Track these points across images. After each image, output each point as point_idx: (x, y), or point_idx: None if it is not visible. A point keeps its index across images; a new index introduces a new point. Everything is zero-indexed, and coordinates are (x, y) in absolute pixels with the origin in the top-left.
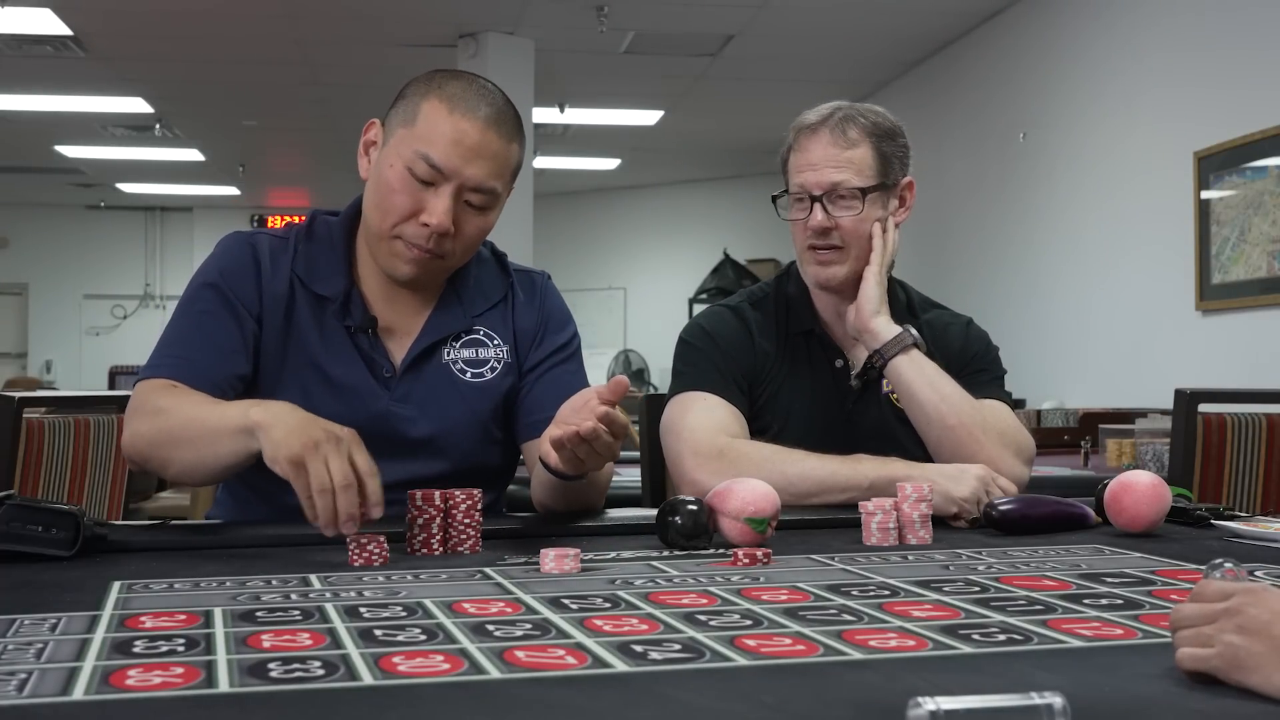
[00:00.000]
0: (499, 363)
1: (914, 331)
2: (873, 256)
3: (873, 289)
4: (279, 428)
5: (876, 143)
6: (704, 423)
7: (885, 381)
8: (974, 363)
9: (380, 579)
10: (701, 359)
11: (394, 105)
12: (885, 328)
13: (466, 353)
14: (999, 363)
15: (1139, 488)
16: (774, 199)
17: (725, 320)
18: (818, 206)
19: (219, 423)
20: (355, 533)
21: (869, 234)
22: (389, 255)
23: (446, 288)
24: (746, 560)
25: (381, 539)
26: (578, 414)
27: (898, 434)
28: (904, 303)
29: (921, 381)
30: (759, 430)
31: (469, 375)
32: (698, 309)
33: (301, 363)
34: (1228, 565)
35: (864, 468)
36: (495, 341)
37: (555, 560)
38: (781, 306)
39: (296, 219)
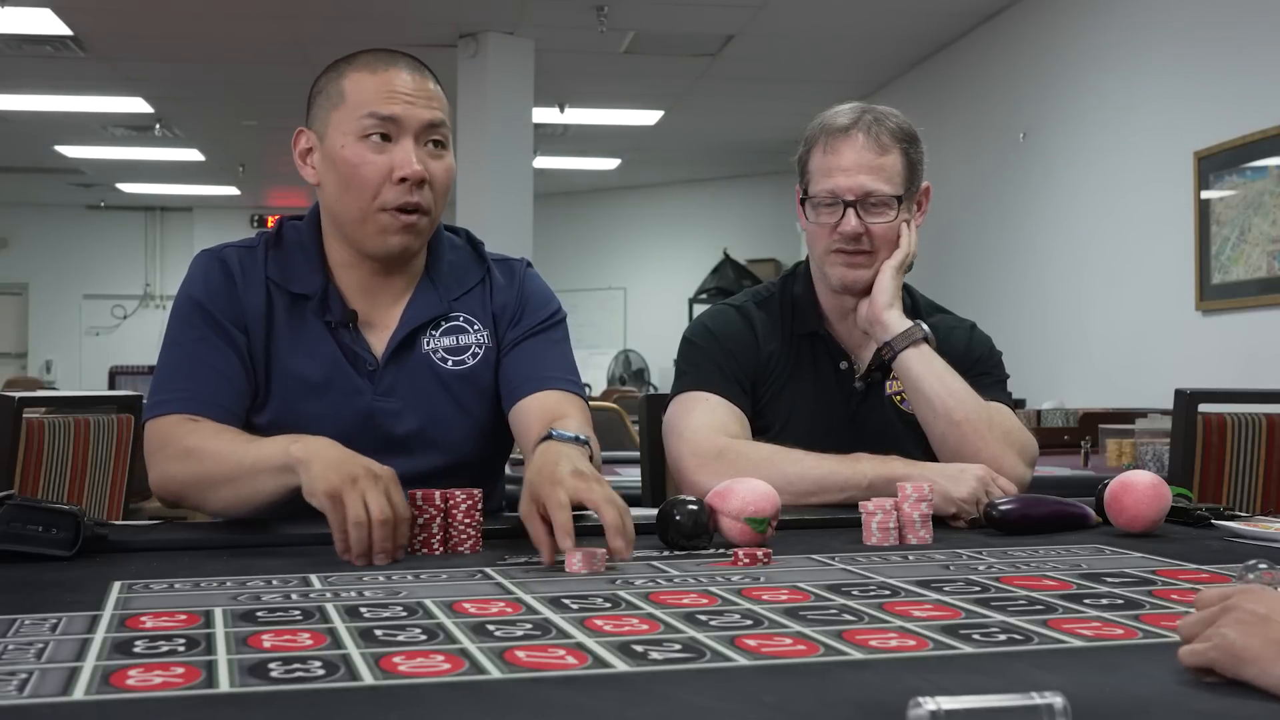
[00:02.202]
0: (480, 348)
1: (924, 326)
2: (895, 254)
3: (888, 282)
4: (318, 462)
5: (905, 149)
6: (705, 423)
7: (889, 384)
8: (977, 366)
9: (380, 579)
10: (704, 359)
11: (311, 108)
12: (897, 321)
13: (447, 340)
14: (1002, 367)
15: (1139, 488)
16: (801, 201)
17: (730, 319)
18: (850, 212)
19: (257, 461)
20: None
21: (896, 238)
22: (378, 233)
23: (423, 275)
24: (746, 560)
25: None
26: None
27: (901, 436)
28: (909, 306)
29: (930, 376)
30: (761, 429)
31: (450, 364)
32: (698, 309)
33: (285, 369)
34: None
35: (863, 467)
36: (475, 327)
37: (584, 560)
38: (787, 307)
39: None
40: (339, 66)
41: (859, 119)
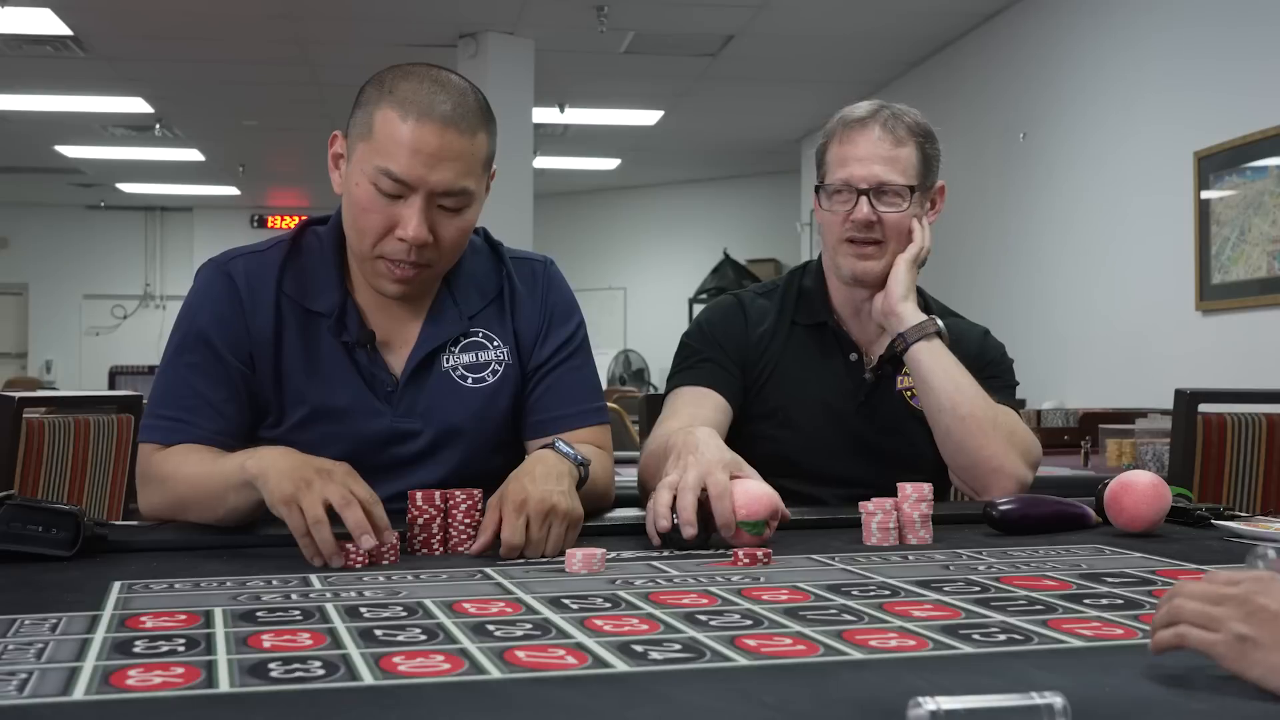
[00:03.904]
0: (500, 365)
1: (939, 322)
2: (909, 247)
3: (902, 274)
4: (272, 473)
5: (920, 143)
6: (667, 426)
7: (900, 378)
8: (988, 369)
9: (380, 579)
10: (687, 356)
11: (352, 113)
12: (911, 313)
13: (466, 357)
14: (1012, 373)
15: (1139, 488)
16: (816, 189)
17: (723, 308)
18: (864, 200)
19: (220, 481)
20: (368, 552)
21: (909, 230)
22: (374, 275)
23: (440, 288)
24: (746, 560)
25: (395, 540)
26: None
27: (911, 429)
28: (922, 307)
29: (939, 370)
30: (765, 415)
31: (470, 381)
32: (698, 309)
33: (299, 388)
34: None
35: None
36: (495, 343)
37: (584, 560)
38: (792, 297)
39: (296, 219)
40: (383, 85)
41: (876, 112)
